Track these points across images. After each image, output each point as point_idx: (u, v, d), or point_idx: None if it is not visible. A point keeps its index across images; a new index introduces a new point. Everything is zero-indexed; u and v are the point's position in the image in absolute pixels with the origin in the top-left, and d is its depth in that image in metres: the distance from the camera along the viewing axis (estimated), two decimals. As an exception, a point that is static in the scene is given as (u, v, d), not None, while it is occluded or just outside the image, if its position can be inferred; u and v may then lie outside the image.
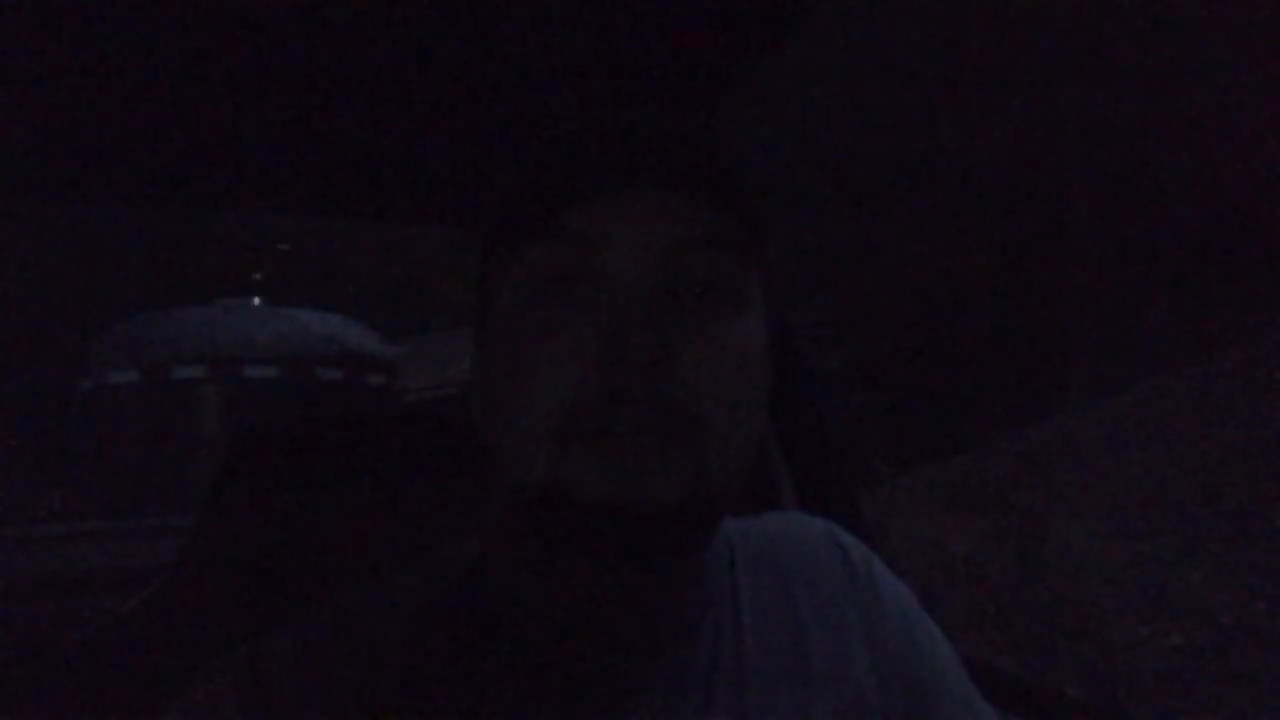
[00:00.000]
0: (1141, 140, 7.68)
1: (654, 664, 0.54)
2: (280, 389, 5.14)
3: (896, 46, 9.52)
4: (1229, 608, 3.94)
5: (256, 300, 6.02)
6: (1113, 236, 7.80)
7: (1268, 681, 3.44)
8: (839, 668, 0.58)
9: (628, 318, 0.47)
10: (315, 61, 0.97)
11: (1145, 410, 6.10)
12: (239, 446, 1.05)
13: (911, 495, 6.40)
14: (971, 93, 8.96)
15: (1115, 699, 3.66)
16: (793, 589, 0.61)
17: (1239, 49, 7.17)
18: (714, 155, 0.52)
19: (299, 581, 0.98)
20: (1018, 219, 8.47)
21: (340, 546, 1.00)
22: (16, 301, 9.73)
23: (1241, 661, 3.59)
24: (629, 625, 0.53)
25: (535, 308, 0.50)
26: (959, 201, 8.92)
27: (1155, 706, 3.55)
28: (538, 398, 0.48)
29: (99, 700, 1.00)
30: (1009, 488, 5.83)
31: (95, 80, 0.98)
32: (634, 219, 0.50)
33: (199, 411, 5.05)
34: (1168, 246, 7.40)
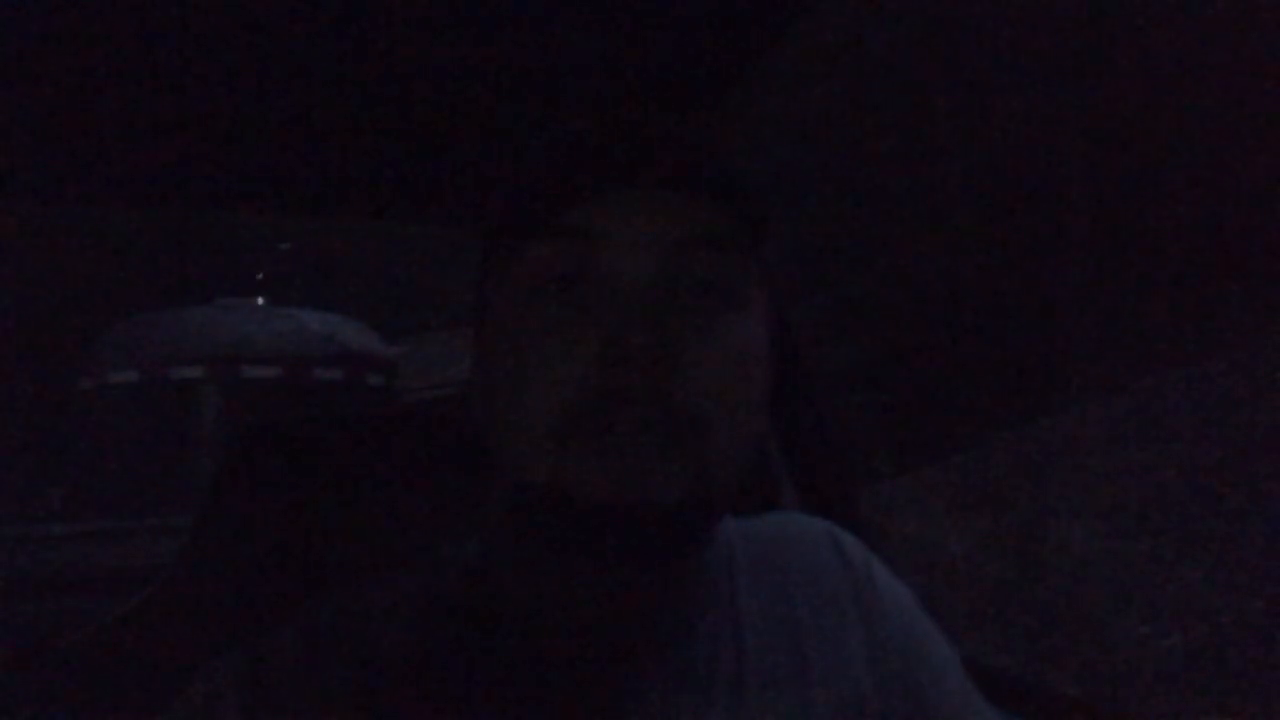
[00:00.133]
0: (1141, 140, 7.68)
1: (653, 664, 0.54)
2: (280, 389, 5.15)
3: (896, 46, 9.51)
4: (1229, 608, 3.94)
5: (256, 300, 6.02)
6: (1113, 236, 7.79)
7: (1268, 681, 3.44)
8: (838, 668, 0.58)
9: (628, 317, 0.47)
10: (315, 61, 0.97)
11: (1145, 410, 6.10)
12: (239, 446, 1.05)
13: (911, 495, 6.40)
14: (971, 92, 8.96)
15: (1115, 699, 3.66)
16: (792, 589, 0.61)
17: (1239, 49, 7.17)
18: (715, 155, 0.52)
19: (299, 581, 0.98)
20: (1017, 219, 8.47)
21: (340, 546, 1.00)
22: (16, 301, 9.73)
23: (1241, 661, 3.59)
24: (628, 625, 0.53)
25: (536, 307, 0.50)
26: (959, 201, 8.91)
27: (1155, 706, 3.54)
28: (538, 397, 0.48)
29: (99, 700, 1.00)
30: (1009, 488, 5.83)
31: (95, 80, 0.98)
32: (635, 218, 0.50)
33: (198, 411, 5.05)
34: (1168, 246, 7.40)
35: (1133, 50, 7.89)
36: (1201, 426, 5.54)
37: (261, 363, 5.15)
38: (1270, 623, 3.75)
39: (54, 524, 4.23)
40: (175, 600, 1.04)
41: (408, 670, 0.52)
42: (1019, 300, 8.17)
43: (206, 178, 1.30)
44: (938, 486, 6.37)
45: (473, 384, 0.57)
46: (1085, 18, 8.29)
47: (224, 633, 0.89)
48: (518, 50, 0.98)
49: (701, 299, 0.50)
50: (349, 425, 1.12)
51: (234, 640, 0.54)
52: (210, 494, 1.04)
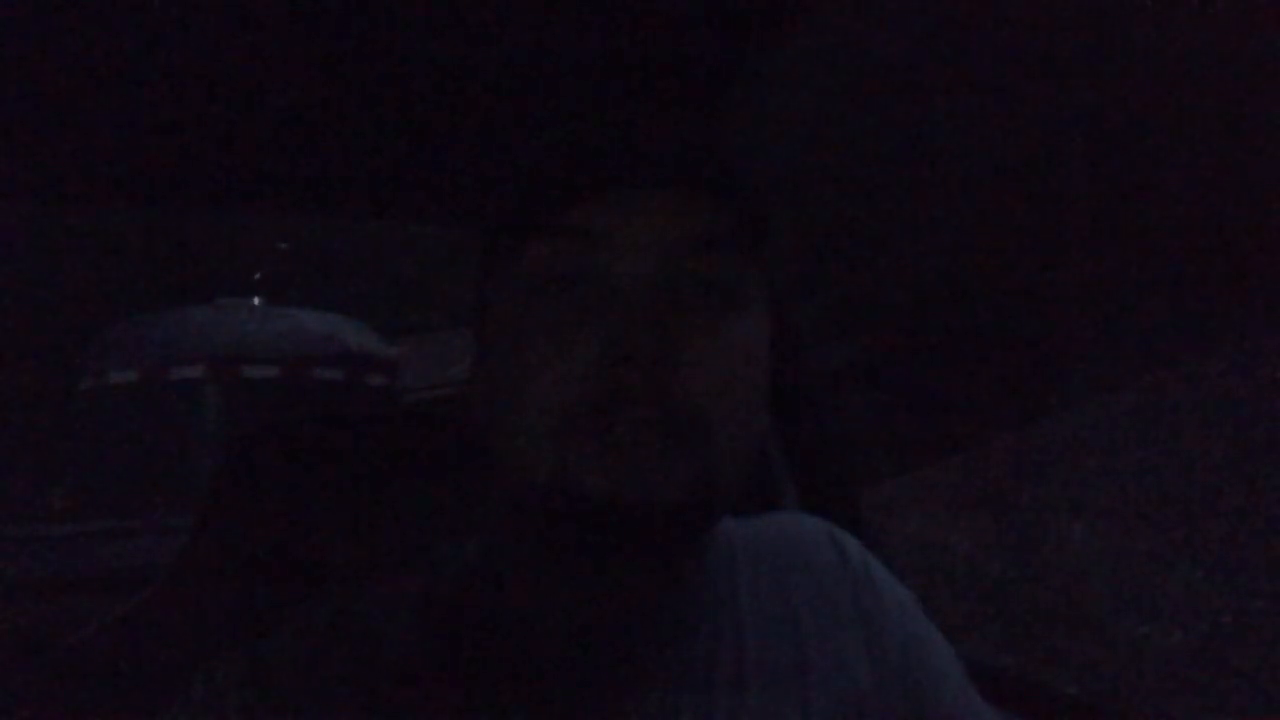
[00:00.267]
0: (1141, 140, 7.68)
1: (653, 663, 0.54)
2: (280, 389, 5.15)
3: (896, 46, 9.52)
4: (1229, 608, 3.94)
5: (256, 300, 6.01)
6: (1113, 236, 7.80)
7: (1268, 681, 3.44)
8: (837, 668, 0.58)
9: (630, 318, 0.47)
10: (315, 61, 0.97)
11: (1145, 410, 6.10)
12: (239, 447, 1.05)
13: (911, 495, 6.40)
14: (971, 92, 8.96)
15: (1115, 699, 3.66)
16: (792, 589, 0.61)
17: (1239, 49, 7.16)
18: (716, 155, 0.52)
19: (299, 581, 0.98)
20: (1017, 219, 8.47)
21: (340, 546, 1.00)
22: (16, 301, 9.73)
23: (1241, 661, 3.59)
24: (629, 624, 0.53)
25: (536, 307, 0.50)
26: (959, 201, 8.91)
27: (1155, 706, 3.54)
28: (539, 397, 0.48)
29: (99, 700, 1.00)
30: (1009, 487, 5.83)
31: (95, 80, 0.98)
32: (636, 218, 0.50)
33: (198, 411, 5.05)
34: (1168, 246, 7.40)
35: (1133, 50, 7.89)
36: (1201, 426, 5.54)
37: (262, 363, 5.15)
38: (1270, 623, 3.75)
39: (54, 524, 4.23)
40: (175, 600, 1.04)
41: (408, 670, 0.52)
42: (1019, 300, 8.17)
43: (206, 178, 1.30)
44: (938, 486, 6.38)
45: (474, 383, 0.57)
46: (1086, 17, 8.29)
47: (224, 633, 0.89)
48: (517, 50, 0.98)
49: (702, 299, 0.50)
50: (349, 425, 1.12)
51: (234, 640, 0.54)
52: (210, 494, 1.03)
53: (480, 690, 0.52)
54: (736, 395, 0.50)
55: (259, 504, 1.01)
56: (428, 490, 1.03)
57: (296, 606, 0.57)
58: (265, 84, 1.02)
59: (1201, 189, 7.30)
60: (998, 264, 8.41)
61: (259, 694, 0.50)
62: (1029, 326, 7.97)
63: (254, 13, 0.87)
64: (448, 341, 11.30)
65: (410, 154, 1.25)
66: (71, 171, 1.26)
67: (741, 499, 0.54)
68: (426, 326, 12.75)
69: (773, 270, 0.57)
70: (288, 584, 0.98)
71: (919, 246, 8.97)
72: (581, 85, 1.07)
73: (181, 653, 0.89)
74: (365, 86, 1.04)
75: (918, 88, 9.32)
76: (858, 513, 1.29)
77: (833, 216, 9.50)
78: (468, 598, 0.55)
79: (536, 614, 0.54)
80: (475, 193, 1.37)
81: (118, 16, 0.86)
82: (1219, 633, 3.81)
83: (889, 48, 9.55)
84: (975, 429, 7.10)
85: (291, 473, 1.03)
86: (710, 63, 1.03)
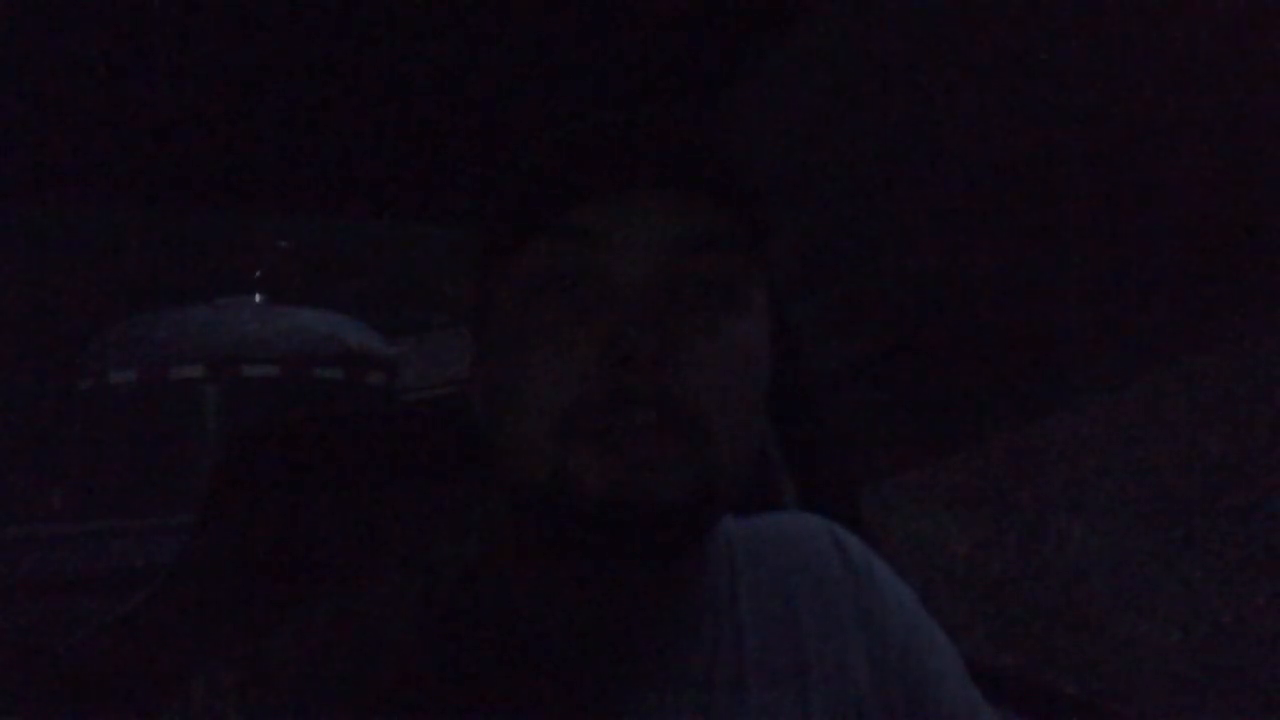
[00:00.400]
0: (1141, 140, 7.68)
1: (653, 663, 0.54)
2: (280, 388, 5.14)
3: (896, 45, 9.51)
4: (1230, 607, 3.94)
5: (256, 299, 6.01)
6: (1113, 236, 7.79)
7: (1268, 681, 3.44)
8: (838, 667, 0.58)
9: (630, 318, 0.47)
10: (315, 60, 0.97)
11: (1145, 409, 6.10)
12: (238, 446, 1.05)
13: (911, 494, 6.40)
14: (971, 92, 8.96)
15: (1115, 699, 3.65)
16: (793, 588, 0.61)
17: (1239, 49, 7.16)
18: (718, 154, 0.52)
19: (298, 581, 0.98)
20: (1018, 218, 8.46)
21: (340, 546, 1.00)
22: (16, 301, 9.72)
23: (1241, 661, 3.59)
24: (628, 624, 0.53)
25: (536, 307, 0.50)
26: (959, 201, 8.91)
27: (1155, 706, 3.54)
28: (539, 397, 0.48)
29: (99, 700, 1.00)
30: (1009, 486, 5.83)
31: (96, 80, 0.98)
32: (637, 218, 0.49)
33: (198, 411, 5.05)
34: (1168, 246, 7.39)
35: (1133, 50, 7.89)
36: (1202, 425, 5.54)
37: (262, 362, 5.15)
38: (1270, 623, 3.75)
39: (54, 524, 4.24)
40: (175, 600, 1.04)
41: (407, 670, 0.52)
42: (1019, 300, 8.16)
43: (206, 177, 1.30)
44: (938, 486, 6.38)
45: (474, 383, 0.57)
46: (1086, 17, 8.28)
47: (224, 632, 0.89)
48: (517, 49, 0.98)
49: (702, 299, 0.50)
50: (349, 424, 1.12)
51: (234, 640, 0.54)
52: (210, 493, 1.03)
53: (480, 690, 0.52)
54: (736, 396, 0.50)
55: (258, 503, 1.01)
56: (428, 490, 1.03)
57: (296, 606, 0.56)
58: (266, 83, 1.02)
59: (1201, 189, 7.29)
60: (998, 264, 8.40)
61: (259, 694, 0.50)
62: (1029, 326, 7.97)
63: (254, 11, 0.87)
64: (447, 341, 11.30)
65: (410, 153, 1.25)
66: (72, 171, 1.26)
67: (741, 498, 0.54)
68: (426, 326, 12.75)
69: (773, 270, 0.57)
70: (288, 584, 0.98)
71: (919, 246, 8.97)
72: (581, 85, 1.07)
73: (181, 653, 0.89)
74: (366, 86, 1.04)
75: (918, 88, 9.31)
76: (858, 512, 1.29)
77: (833, 217, 9.49)
78: (467, 598, 0.55)
79: (536, 614, 0.54)
80: (475, 192, 1.37)
81: (118, 15, 0.86)
82: (1219, 633, 3.81)
83: (889, 48, 9.55)
84: (975, 429, 7.10)
85: (291, 472, 1.03)
86: (710, 63, 1.03)
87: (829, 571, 0.63)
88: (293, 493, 1.01)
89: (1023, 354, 7.74)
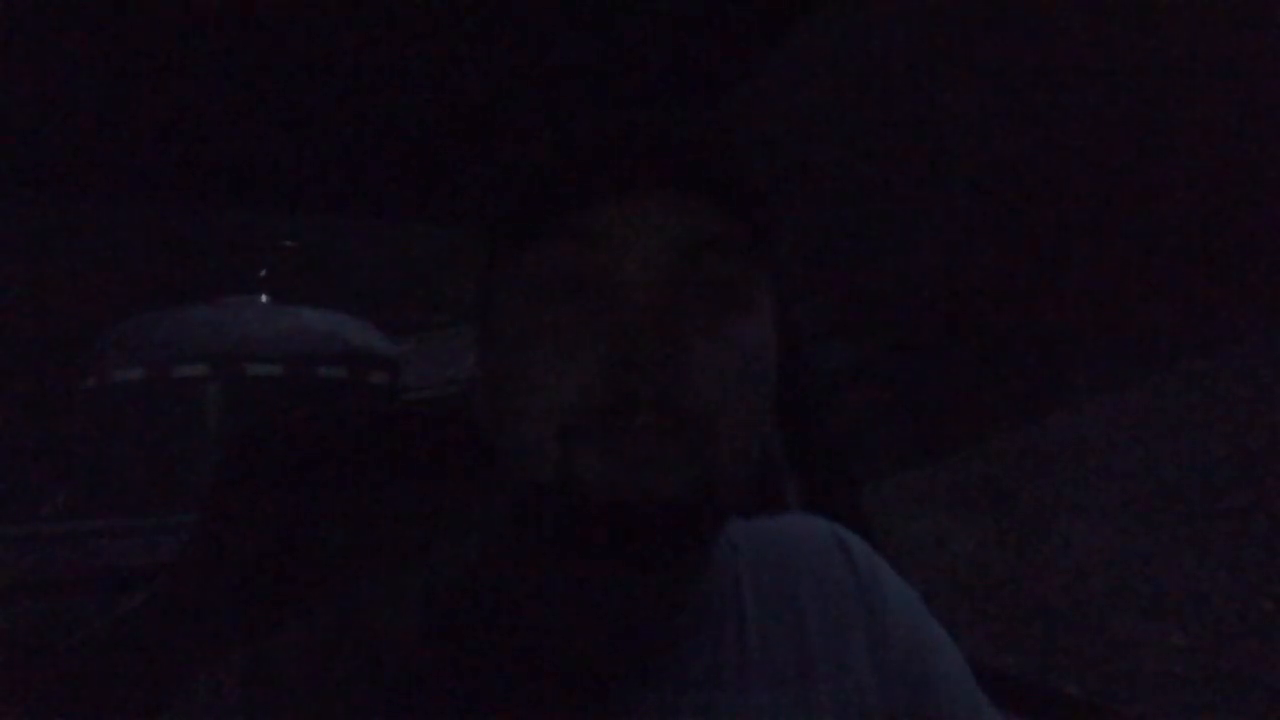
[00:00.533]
0: (1142, 140, 7.68)
1: (656, 663, 0.54)
2: (283, 387, 5.14)
3: (896, 45, 9.51)
4: (1230, 607, 3.94)
5: (260, 298, 6.01)
6: (1113, 236, 7.79)
7: (1268, 681, 3.44)
8: (842, 667, 0.58)
9: (634, 321, 0.47)
10: (318, 59, 0.97)
11: (1146, 409, 6.10)
12: (240, 445, 1.05)
13: (912, 494, 6.40)
14: (972, 92, 8.95)
15: (1115, 699, 3.65)
16: (797, 589, 0.61)
17: (1239, 49, 7.16)
18: (722, 156, 0.52)
19: (300, 580, 0.98)
20: (1018, 218, 8.46)
21: (341, 546, 1.00)
22: (20, 299, 9.73)
23: (1242, 661, 3.59)
24: (631, 624, 0.53)
25: (541, 308, 0.50)
26: (960, 200, 8.91)
27: (1155, 706, 3.54)
28: (542, 398, 0.48)
29: (99, 700, 1.00)
30: (1010, 486, 5.83)
31: (95, 79, 0.98)
32: (640, 220, 0.49)
33: (202, 410, 5.05)
34: (1168, 246, 7.39)
35: (1133, 50, 7.89)
36: (1203, 425, 5.54)
37: (265, 361, 5.14)
38: (1272, 623, 3.75)
39: (57, 522, 4.24)
40: (177, 599, 1.04)
41: (410, 669, 0.52)
42: (1020, 299, 8.16)
43: (209, 176, 1.30)
44: (938, 486, 6.38)
45: (477, 383, 0.57)
46: (1086, 17, 8.28)
47: (226, 632, 0.89)
48: (518, 50, 0.98)
49: (708, 302, 0.50)
50: (352, 424, 1.12)
51: (234, 640, 0.54)
52: (212, 492, 1.03)
53: (482, 690, 0.52)
54: (741, 398, 0.49)
55: (260, 502, 1.01)
56: (429, 489, 1.03)
57: (298, 606, 0.56)
58: (267, 82, 1.02)
59: (1201, 189, 7.29)
60: (998, 263, 8.40)
61: (261, 694, 0.50)
62: (1029, 326, 7.97)
63: (255, 11, 0.87)
64: (450, 340, 11.31)
65: (411, 153, 1.25)
66: (73, 170, 1.26)
67: (746, 499, 0.54)
68: (428, 325, 12.75)
69: (777, 270, 0.57)
70: (289, 583, 0.98)
71: (920, 245, 8.97)
72: (583, 85, 1.07)
73: (183, 652, 0.89)
74: (367, 86, 1.04)
75: (918, 88, 9.31)
76: (861, 512, 1.29)
77: (833, 216, 9.50)
78: (469, 597, 0.55)
79: (538, 614, 0.54)
80: (476, 192, 1.37)
81: (118, 15, 0.86)
82: (1220, 633, 3.81)
83: (889, 48, 9.55)
84: (976, 428, 7.10)
85: (292, 471, 1.03)
86: (712, 64, 1.03)
87: (832, 572, 0.63)
88: (294, 492, 1.01)
89: (1023, 354, 7.74)
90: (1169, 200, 7.50)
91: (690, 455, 0.47)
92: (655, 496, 0.46)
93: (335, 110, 1.10)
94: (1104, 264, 7.79)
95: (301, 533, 1.00)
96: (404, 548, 0.96)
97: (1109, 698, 3.68)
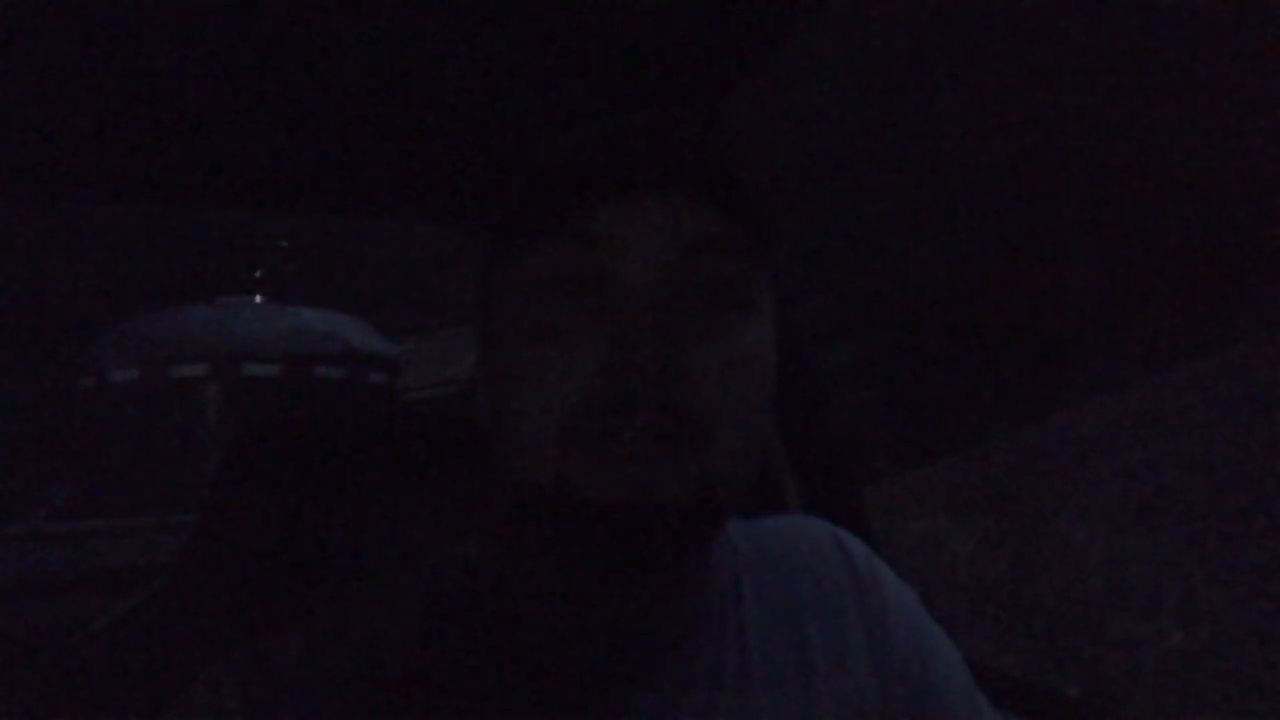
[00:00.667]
0: (1142, 140, 7.68)
1: (657, 664, 0.54)
2: (281, 387, 5.14)
3: (897, 46, 9.51)
4: (1229, 608, 3.94)
5: (257, 298, 6.01)
6: (1114, 236, 7.80)
7: (1268, 681, 3.44)
8: (842, 670, 0.58)
9: (635, 323, 0.47)
10: (317, 59, 0.97)
11: (1145, 410, 6.10)
12: (240, 445, 1.05)
13: (911, 495, 6.40)
14: (972, 92, 8.96)
15: (1115, 699, 3.66)
16: (796, 591, 0.61)
17: (1239, 49, 7.16)
18: (724, 158, 0.52)
19: (300, 580, 0.98)
20: (1019, 219, 8.47)
21: (341, 545, 1.00)
22: (17, 299, 9.73)
23: (1241, 661, 3.59)
24: (632, 626, 0.53)
25: (541, 309, 0.50)
26: (960, 201, 8.91)
27: (1155, 706, 3.54)
28: (541, 399, 0.48)
29: (99, 700, 1.00)
30: (1009, 487, 5.84)
31: (95, 79, 0.98)
32: (643, 222, 0.49)
33: (200, 410, 5.05)
34: (1168, 246, 7.39)
35: (1133, 50, 7.89)
36: (1202, 426, 5.55)
37: (263, 361, 5.15)
38: (1271, 624, 3.75)
39: (55, 522, 4.24)
40: (177, 599, 1.04)
41: (410, 669, 0.52)
42: (1020, 300, 8.17)
43: (208, 176, 1.30)
44: (938, 486, 6.38)
45: (476, 383, 0.57)
46: (1086, 17, 8.29)
47: (226, 631, 0.89)
48: (518, 51, 0.98)
49: (708, 303, 0.50)
50: (350, 424, 1.11)
51: (236, 638, 0.54)
52: (212, 493, 1.03)
53: (483, 690, 0.52)
54: (741, 400, 0.49)
55: (260, 503, 1.01)
56: (428, 490, 1.03)
57: (297, 606, 0.57)
58: (267, 83, 1.02)
59: (1202, 189, 7.30)
60: (998, 264, 8.41)
61: (262, 693, 0.50)
62: (1029, 326, 7.98)
63: (255, 11, 0.87)
64: (449, 340, 11.31)
65: (410, 153, 1.25)
66: (71, 171, 1.26)
67: (745, 500, 0.53)
68: (427, 325, 12.76)
69: (777, 271, 0.57)
70: (289, 583, 0.98)
71: (920, 246, 8.98)
72: (583, 86, 1.07)
73: (183, 652, 0.89)
74: (367, 86, 1.04)
75: (918, 88, 9.32)
76: (861, 514, 1.28)
77: (833, 217, 9.50)
78: (469, 598, 0.55)
79: (539, 614, 0.54)
80: (476, 191, 1.37)
81: (117, 16, 0.86)
82: (1219, 634, 3.81)
83: (889, 48, 9.55)
84: (975, 429, 7.11)
85: (293, 471, 1.03)
86: (713, 65, 1.03)
87: (832, 574, 0.63)
88: (294, 492, 1.01)
89: (1023, 354, 7.74)
90: (1169, 200, 7.50)
91: (689, 456, 0.47)
92: (654, 497, 0.46)
93: (334, 110, 1.10)
94: (1104, 264, 7.80)
95: (301, 533, 1.00)
96: (404, 548, 0.96)
97: (1107, 698, 3.68)
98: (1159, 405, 6.06)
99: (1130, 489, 5.21)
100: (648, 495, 0.46)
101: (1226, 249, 6.96)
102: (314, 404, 5.12)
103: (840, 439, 1.36)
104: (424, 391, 9.96)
